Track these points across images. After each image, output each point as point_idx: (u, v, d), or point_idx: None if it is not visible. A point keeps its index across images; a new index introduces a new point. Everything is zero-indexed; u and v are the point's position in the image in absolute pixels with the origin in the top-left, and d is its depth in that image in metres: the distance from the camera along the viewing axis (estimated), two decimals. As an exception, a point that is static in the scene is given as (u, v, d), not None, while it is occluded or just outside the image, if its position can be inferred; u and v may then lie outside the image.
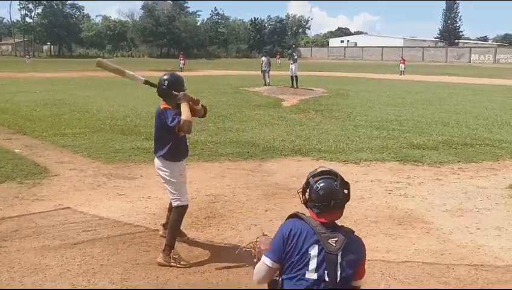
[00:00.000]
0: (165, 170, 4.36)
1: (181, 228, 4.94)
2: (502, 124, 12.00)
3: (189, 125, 4.12)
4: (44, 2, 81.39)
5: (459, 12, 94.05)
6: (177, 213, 4.37)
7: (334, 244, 2.43)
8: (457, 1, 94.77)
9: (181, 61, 39.10)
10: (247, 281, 3.73)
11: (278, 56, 54.22)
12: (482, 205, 5.93)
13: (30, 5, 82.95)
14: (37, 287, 3.76)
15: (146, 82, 4.55)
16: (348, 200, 2.58)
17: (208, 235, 4.90)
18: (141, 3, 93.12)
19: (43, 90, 20.09)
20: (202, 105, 4.53)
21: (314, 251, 2.43)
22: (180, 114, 4.12)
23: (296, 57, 24.19)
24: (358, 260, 2.49)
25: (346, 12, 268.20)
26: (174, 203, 4.37)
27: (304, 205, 2.60)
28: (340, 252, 2.42)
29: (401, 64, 36.92)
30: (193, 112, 4.32)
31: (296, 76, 22.90)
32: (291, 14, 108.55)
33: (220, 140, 9.54)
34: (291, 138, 9.94)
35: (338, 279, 2.41)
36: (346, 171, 7.49)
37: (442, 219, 5.42)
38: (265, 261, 2.54)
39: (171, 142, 4.30)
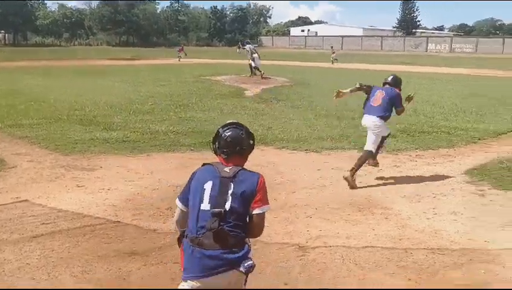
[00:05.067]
0: None
1: (141, 219, 4.91)
2: (458, 112, 12.41)
3: None
4: (-2, -11, 77.82)
5: (416, 2, 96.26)
6: None
7: (228, 171, 2.75)
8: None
9: (179, 53, 38.26)
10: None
11: (239, 44, 53.63)
12: (439, 190, 6.13)
13: (-18, -7, 79.10)
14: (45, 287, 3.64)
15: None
16: (252, 149, 2.95)
17: (171, 225, 4.86)
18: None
19: (-4, 80, 19.30)
20: None
21: (208, 184, 2.72)
22: None
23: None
24: (252, 190, 2.71)
25: (307, 1, 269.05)
26: None
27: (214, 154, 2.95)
28: (233, 182, 2.70)
29: (332, 54, 37.77)
30: None
31: (255, 67, 22.55)
32: (253, 3, 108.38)
33: (182, 130, 9.46)
34: (254, 127, 9.95)
35: (229, 206, 2.64)
36: (308, 160, 7.60)
37: (400, 204, 5.58)
38: (178, 204, 2.89)
39: None
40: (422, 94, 16.78)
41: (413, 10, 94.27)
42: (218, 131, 2.93)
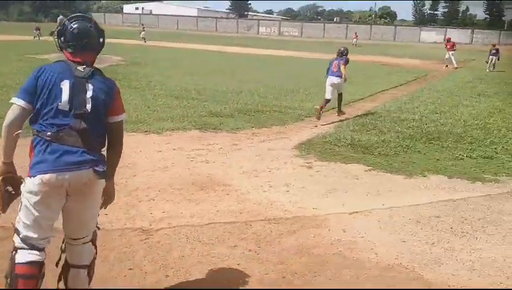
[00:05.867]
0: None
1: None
2: (287, 92, 13.37)
3: None
4: None
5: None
6: None
7: (82, 70, 2.63)
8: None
9: (35, 31, 33.02)
10: None
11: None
12: (273, 165, 6.58)
13: None
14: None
15: None
16: (102, 47, 2.84)
17: None
18: None
19: None
20: None
21: (66, 84, 2.57)
22: None
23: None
24: (110, 94, 2.70)
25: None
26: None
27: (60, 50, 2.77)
28: (90, 84, 2.63)
29: (142, 32, 38.20)
30: None
31: None
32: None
33: (4, 114, 8.47)
34: (88, 110, 9.41)
35: (89, 108, 2.59)
36: (149, 141, 7.49)
37: (239, 180, 5.85)
38: (16, 101, 2.61)
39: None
40: (255, 75, 17.68)
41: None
42: (64, 23, 2.72)
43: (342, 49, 10.42)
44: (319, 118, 9.66)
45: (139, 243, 4.06)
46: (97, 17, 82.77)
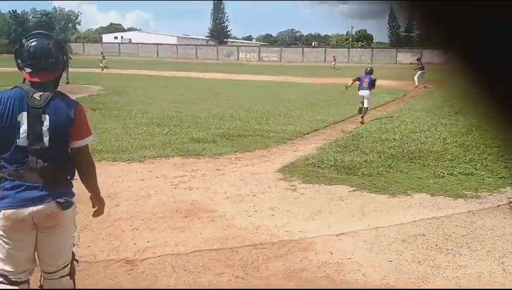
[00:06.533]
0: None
1: None
2: (269, 116, 13.45)
3: None
4: None
5: (226, 12, 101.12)
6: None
7: (39, 98, 2.48)
8: (223, 1, 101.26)
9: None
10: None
11: None
12: (257, 189, 6.57)
13: None
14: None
15: None
16: (64, 66, 2.72)
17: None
18: None
19: None
20: None
21: (23, 117, 2.45)
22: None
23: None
24: (70, 119, 2.54)
25: (117, 8, 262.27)
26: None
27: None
28: (47, 114, 2.47)
29: (103, 61, 38.03)
30: None
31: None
32: (59, 8, 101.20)
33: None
34: (69, 140, 9.31)
35: (46, 141, 2.47)
36: (131, 170, 7.42)
37: (224, 206, 5.82)
38: None
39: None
40: (237, 100, 17.78)
41: (223, 20, 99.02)
42: (21, 42, 2.60)
43: (369, 69, 13.20)
44: (363, 119, 12.43)
45: (123, 274, 3.99)
46: (76, 47, 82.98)
